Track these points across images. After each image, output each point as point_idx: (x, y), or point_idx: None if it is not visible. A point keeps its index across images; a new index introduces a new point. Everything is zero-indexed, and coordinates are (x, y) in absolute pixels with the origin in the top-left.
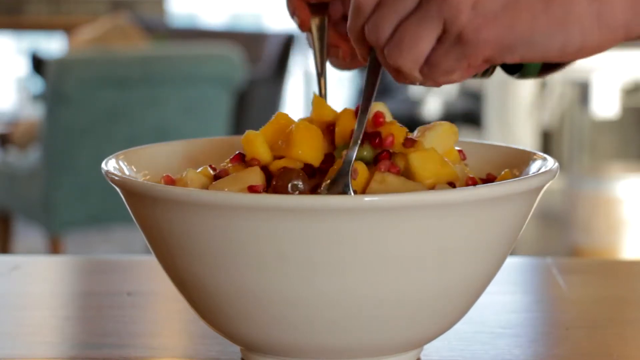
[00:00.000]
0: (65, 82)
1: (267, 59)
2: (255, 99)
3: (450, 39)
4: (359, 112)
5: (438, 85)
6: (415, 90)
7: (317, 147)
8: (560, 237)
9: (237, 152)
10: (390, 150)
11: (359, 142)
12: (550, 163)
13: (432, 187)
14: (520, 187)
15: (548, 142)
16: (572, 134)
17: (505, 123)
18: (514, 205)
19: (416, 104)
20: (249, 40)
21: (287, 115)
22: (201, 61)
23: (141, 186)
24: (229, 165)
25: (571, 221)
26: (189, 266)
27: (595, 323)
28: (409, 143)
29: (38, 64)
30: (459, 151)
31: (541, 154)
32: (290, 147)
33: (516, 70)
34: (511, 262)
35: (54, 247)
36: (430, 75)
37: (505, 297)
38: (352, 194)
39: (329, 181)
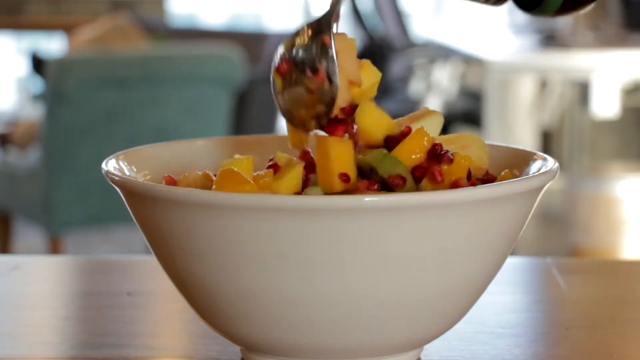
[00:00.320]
0: (65, 82)
1: (267, 59)
2: (255, 99)
3: None
4: None
5: None
6: (415, 90)
7: None
8: (560, 237)
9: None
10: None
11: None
12: (551, 163)
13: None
14: (520, 187)
15: (548, 142)
16: (572, 134)
17: (505, 123)
18: (514, 205)
19: (416, 104)
20: (249, 40)
21: None
22: (201, 61)
23: (141, 186)
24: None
25: (571, 221)
26: (189, 266)
27: (595, 323)
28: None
29: (38, 64)
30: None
31: (541, 154)
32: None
33: (534, 6)
34: (511, 262)
35: (54, 247)
36: None
37: (505, 297)
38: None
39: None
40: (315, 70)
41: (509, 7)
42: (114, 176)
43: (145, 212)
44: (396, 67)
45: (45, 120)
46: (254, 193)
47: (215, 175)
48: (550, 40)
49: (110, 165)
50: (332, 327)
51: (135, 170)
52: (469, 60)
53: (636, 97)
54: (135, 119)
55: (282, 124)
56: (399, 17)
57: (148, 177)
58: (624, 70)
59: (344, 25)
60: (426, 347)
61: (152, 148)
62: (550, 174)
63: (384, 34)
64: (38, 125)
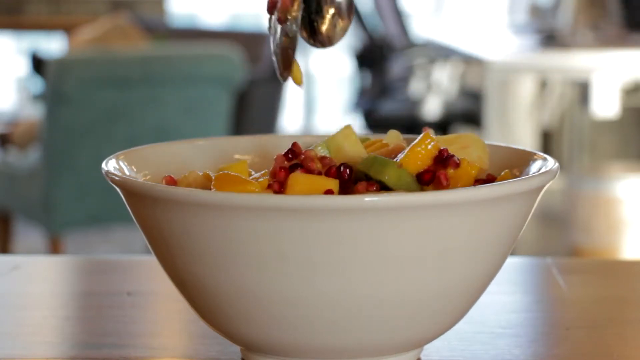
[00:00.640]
0: (65, 82)
1: (267, 59)
2: (255, 99)
3: None
4: None
5: None
6: (415, 90)
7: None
8: (560, 237)
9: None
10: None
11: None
12: (551, 163)
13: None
14: (520, 187)
15: (548, 142)
16: (572, 134)
17: (505, 123)
18: (514, 205)
19: (416, 104)
20: (249, 40)
21: None
22: (201, 61)
23: (141, 186)
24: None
25: (571, 221)
26: (189, 266)
27: (595, 323)
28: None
29: (38, 64)
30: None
31: (541, 154)
32: None
33: None
34: (511, 262)
35: (54, 247)
36: None
37: (505, 297)
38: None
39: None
40: None
41: (509, 7)
42: (114, 176)
43: (145, 212)
44: (396, 67)
45: (45, 120)
46: (254, 193)
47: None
48: (550, 40)
49: (110, 165)
50: (332, 327)
51: (135, 170)
52: (469, 60)
53: (636, 97)
54: (135, 119)
55: (282, 124)
56: (399, 17)
57: (148, 177)
58: (624, 70)
59: None
60: (426, 347)
61: (152, 148)
62: (550, 174)
63: (384, 34)
64: (38, 125)
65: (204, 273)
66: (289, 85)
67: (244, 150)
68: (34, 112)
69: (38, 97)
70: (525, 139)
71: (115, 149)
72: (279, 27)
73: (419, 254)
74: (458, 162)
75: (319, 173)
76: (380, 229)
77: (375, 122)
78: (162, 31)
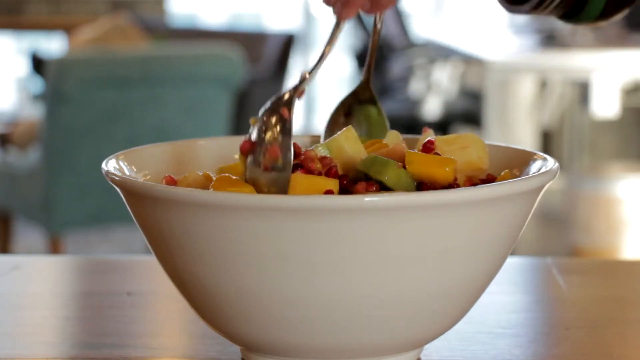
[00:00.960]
0: (65, 82)
1: (267, 59)
2: (255, 99)
3: None
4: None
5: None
6: (415, 90)
7: None
8: (560, 237)
9: None
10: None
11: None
12: (551, 163)
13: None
14: (520, 187)
15: (548, 142)
16: (572, 134)
17: (505, 123)
18: (514, 205)
19: (416, 104)
20: (249, 40)
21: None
22: (201, 61)
23: (141, 186)
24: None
25: (571, 221)
26: (189, 266)
27: (595, 323)
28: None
29: (38, 64)
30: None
31: (541, 154)
32: None
33: (573, 14)
34: (511, 262)
35: (54, 247)
36: None
37: (505, 297)
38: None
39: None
40: (269, 145)
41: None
42: (114, 176)
43: (145, 212)
44: (396, 67)
45: (45, 120)
46: (254, 193)
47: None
48: (550, 40)
49: (110, 165)
50: (332, 327)
51: (135, 170)
52: (469, 60)
53: (636, 97)
54: (135, 119)
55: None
56: (399, 17)
57: (148, 177)
58: (624, 70)
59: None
60: (426, 347)
61: (152, 148)
62: (550, 174)
63: (384, 34)
64: (38, 125)
65: (204, 273)
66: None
67: None
68: (34, 112)
69: (38, 97)
70: (525, 139)
71: (115, 149)
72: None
73: (419, 254)
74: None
75: (319, 173)
76: (380, 229)
77: None
78: (162, 31)
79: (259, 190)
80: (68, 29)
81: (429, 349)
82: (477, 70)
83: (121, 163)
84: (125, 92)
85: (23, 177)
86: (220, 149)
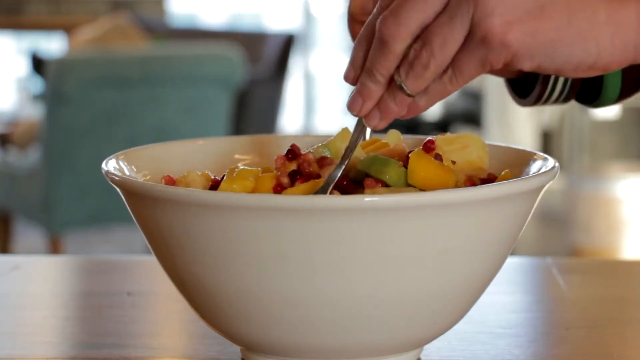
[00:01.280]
0: (65, 82)
1: (267, 59)
2: (255, 99)
3: (476, 39)
4: (349, 143)
5: (442, 97)
6: None
7: None
8: (560, 237)
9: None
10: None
11: (343, 166)
12: (551, 163)
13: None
14: (520, 187)
15: (548, 142)
16: (572, 134)
17: (505, 123)
18: (514, 205)
19: None
20: (249, 40)
21: None
22: (201, 61)
23: (141, 186)
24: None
25: (571, 221)
26: (189, 266)
27: (595, 323)
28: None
29: (38, 64)
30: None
31: (541, 154)
32: None
33: (592, 99)
34: (511, 262)
35: (54, 247)
36: (454, 80)
37: (505, 297)
38: None
39: None
40: None
41: None
42: (114, 176)
43: (145, 212)
44: None
45: (45, 120)
46: (254, 193)
47: (214, 176)
48: None
49: (110, 165)
50: (332, 327)
51: (135, 170)
52: None
53: (636, 97)
54: (135, 119)
55: (282, 124)
56: None
57: (148, 177)
58: None
59: (344, 25)
60: (426, 347)
61: (152, 148)
62: (550, 174)
63: None
64: (38, 125)
65: (204, 273)
66: (289, 85)
67: (243, 150)
68: (34, 112)
69: (38, 97)
70: (525, 139)
71: (115, 149)
72: None
73: (419, 254)
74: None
75: (317, 176)
76: (380, 229)
77: None
78: (162, 31)
79: None
80: (68, 29)
81: (429, 349)
82: None
83: (121, 163)
84: (125, 92)
85: (23, 177)
86: (220, 149)
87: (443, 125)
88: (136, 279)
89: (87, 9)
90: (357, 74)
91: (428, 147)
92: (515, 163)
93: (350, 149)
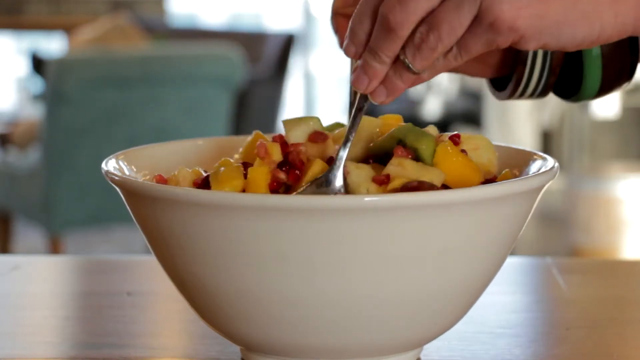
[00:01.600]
0: (65, 82)
1: (267, 59)
2: (255, 99)
3: (484, 25)
4: (354, 111)
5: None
6: (415, 90)
7: None
8: (560, 237)
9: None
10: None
11: (349, 142)
12: (550, 163)
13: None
14: (520, 187)
15: (548, 142)
16: (572, 134)
17: (505, 123)
18: (514, 205)
19: (416, 104)
20: (249, 40)
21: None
22: (201, 61)
23: (141, 186)
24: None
25: (571, 221)
26: (189, 266)
27: (595, 323)
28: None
29: (38, 64)
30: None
31: (541, 154)
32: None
33: (572, 93)
34: (511, 262)
35: (54, 247)
36: (459, 58)
37: (505, 297)
38: (343, 191)
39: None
40: None
41: None
42: (113, 176)
43: (145, 212)
44: None
45: (45, 120)
46: (254, 193)
47: (205, 172)
48: None
49: (110, 165)
50: (332, 327)
51: (135, 170)
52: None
53: (636, 97)
54: (135, 119)
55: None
56: None
57: (148, 177)
58: None
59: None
60: (426, 347)
61: (152, 148)
62: (550, 173)
63: None
64: (38, 125)
65: (204, 273)
66: (289, 85)
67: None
68: (34, 112)
69: (38, 97)
70: (525, 139)
71: (115, 149)
72: None
73: (419, 254)
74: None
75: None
76: (380, 229)
77: None
78: (162, 31)
79: None
80: (68, 29)
81: (429, 349)
82: None
83: (121, 163)
84: (125, 92)
85: (23, 177)
86: (220, 149)
87: (443, 125)
88: (136, 279)
89: (87, 9)
90: (358, 50)
91: (455, 141)
92: (515, 163)
93: (354, 125)
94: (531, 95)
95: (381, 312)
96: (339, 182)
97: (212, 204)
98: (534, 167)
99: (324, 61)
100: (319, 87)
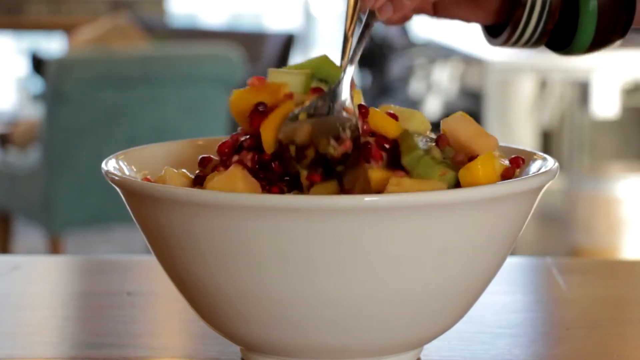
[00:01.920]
0: (65, 82)
1: (267, 59)
2: None
3: None
4: (362, 28)
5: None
6: (415, 90)
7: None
8: (560, 237)
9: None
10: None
11: (357, 58)
12: (550, 163)
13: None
14: (520, 187)
15: (548, 142)
16: (572, 134)
17: (505, 123)
18: (514, 205)
19: (416, 104)
20: (249, 40)
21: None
22: (201, 61)
23: (141, 186)
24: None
25: (571, 221)
26: (189, 266)
27: (595, 323)
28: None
29: (38, 64)
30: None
31: (541, 154)
32: None
33: (564, 46)
34: (511, 262)
35: (54, 247)
36: None
37: (505, 297)
38: (348, 104)
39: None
40: (340, 140)
41: None
42: (113, 176)
43: (145, 212)
44: (396, 67)
45: (45, 120)
46: (254, 193)
47: (196, 172)
48: None
49: (110, 165)
50: (332, 327)
51: (135, 170)
52: (469, 60)
53: (636, 97)
54: (135, 119)
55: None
56: None
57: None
58: (624, 70)
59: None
60: (426, 347)
61: (152, 148)
62: (550, 174)
63: (384, 34)
64: (38, 125)
65: (204, 273)
66: None
67: None
68: (34, 112)
69: (38, 97)
70: (525, 139)
71: (115, 149)
72: None
73: (419, 254)
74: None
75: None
76: (380, 229)
77: None
78: (162, 31)
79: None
80: (68, 29)
81: (429, 349)
82: (477, 70)
83: (121, 163)
84: (125, 92)
85: (23, 177)
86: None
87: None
88: (136, 279)
89: (87, 9)
90: None
91: (394, 116)
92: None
93: (362, 40)
94: (526, 43)
95: (381, 312)
96: (345, 95)
97: (212, 204)
98: (534, 167)
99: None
100: None
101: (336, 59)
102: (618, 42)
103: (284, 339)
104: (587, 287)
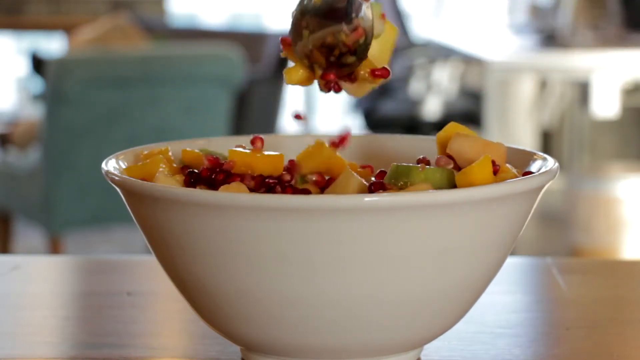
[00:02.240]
0: (65, 82)
1: (267, 59)
2: (255, 99)
3: None
4: None
5: None
6: (415, 90)
7: None
8: (560, 237)
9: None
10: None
11: None
12: (550, 163)
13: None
14: (520, 187)
15: (548, 142)
16: (572, 134)
17: (505, 123)
18: (514, 205)
19: (416, 103)
20: (249, 40)
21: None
22: (201, 61)
23: (141, 186)
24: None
25: (571, 221)
26: (189, 266)
27: (595, 323)
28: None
29: (38, 64)
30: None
31: (541, 154)
32: None
33: None
34: (511, 262)
35: (54, 247)
36: None
37: (505, 297)
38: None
39: None
40: (354, 27)
41: (509, 7)
42: (113, 176)
43: (145, 212)
44: (396, 67)
45: (45, 120)
46: (254, 193)
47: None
48: (550, 40)
49: (110, 165)
50: (332, 327)
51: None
52: (469, 60)
53: (636, 97)
54: (135, 119)
55: (282, 124)
56: (399, 17)
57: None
58: (624, 70)
59: None
60: (426, 347)
61: (152, 148)
62: (550, 173)
63: None
64: (38, 125)
65: (204, 273)
66: (289, 86)
67: None
68: (34, 112)
69: (38, 97)
70: (525, 139)
71: (115, 149)
72: None
73: (419, 254)
74: None
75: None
76: (380, 229)
77: (375, 122)
78: (162, 31)
79: (318, 56)
80: (68, 29)
81: (429, 349)
82: (477, 70)
83: (121, 163)
84: (125, 92)
85: (23, 177)
86: (220, 149)
87: (443, 125)
88: (136, 279)
89: (87, 9)
90: None
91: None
92: (515, 163)
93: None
94: None
95: (381, 312)
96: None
97: (212, 204)
98: (534, 167)
99: None
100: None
101: None
102: None
103: (284, 339)
104: (587, 287)
